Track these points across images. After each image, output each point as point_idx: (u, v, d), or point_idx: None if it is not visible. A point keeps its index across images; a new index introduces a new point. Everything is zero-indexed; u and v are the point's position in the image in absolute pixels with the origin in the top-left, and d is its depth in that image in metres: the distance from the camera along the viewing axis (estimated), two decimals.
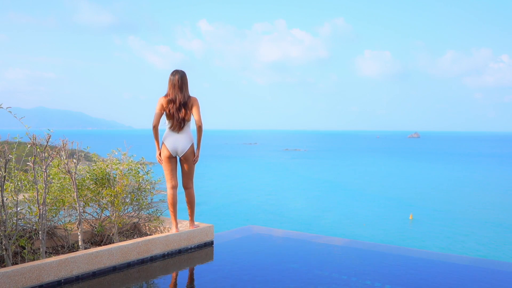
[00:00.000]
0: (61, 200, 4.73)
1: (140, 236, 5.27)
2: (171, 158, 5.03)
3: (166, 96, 4.91)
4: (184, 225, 5.37)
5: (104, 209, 5.17)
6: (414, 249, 5.63)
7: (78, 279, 3.96)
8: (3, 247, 3.94)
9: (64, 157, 4.60)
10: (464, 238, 32.83)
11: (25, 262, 3.96)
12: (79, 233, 4.49)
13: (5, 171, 3.96)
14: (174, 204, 5.04)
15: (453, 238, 32.70)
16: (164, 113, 4.93)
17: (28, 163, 4.25)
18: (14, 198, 4.19)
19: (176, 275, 4.41)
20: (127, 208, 5.27)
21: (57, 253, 4.60)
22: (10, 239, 3.99)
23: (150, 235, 5.37)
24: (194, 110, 4.93)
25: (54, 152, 4.46)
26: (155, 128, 4.93)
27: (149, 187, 5.32)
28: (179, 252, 4.94)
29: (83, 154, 4.84)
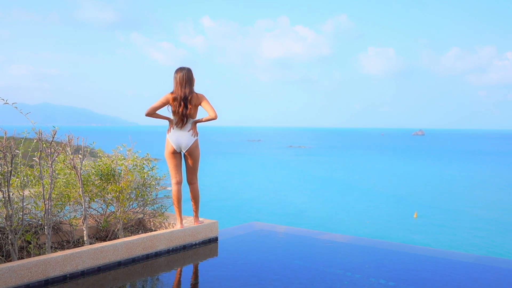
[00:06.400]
0: (66, 195, 4.75)
1: (145, 232, 5.29)
2: (175, 154, 5.05)
3: (172, 93, 4.93)
4: (189, 221, 5.39)
5: (109, 204, 5.19)
6: (418, 246, 5.62)
7: (83, 274, 3.98)
8: (9, 242, 3.97)
9: (70, 153, 4.62)
10: (468, 235, 32.74)
11: (31, 257, 3.99)
12: (84, 229, 4.52)
13: (11, 166, 3.99)
14: (178, 200, 5.07)
15: (457, 236, 32.62)
16: (170, 110, 4.97)
17: (34, 158, 4.27)
18: (20, 193, 4.21)
19: (181, 271, 4.42)
20: (132, 204, 5.29)
21: (62, 248, 4.62)
22: (16, 234, 4.02)
23: (154, 231, 5.39)
24: (205, 106, 4.94)
25: (59, 148, 4.48)
26: (148, 116, 4.91)
27: (154, 183, 5.34)
28: (184, 248, 4.96)
29: (88, 150, 4.86)
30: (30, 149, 4.36)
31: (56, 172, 4.75)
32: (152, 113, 4.91)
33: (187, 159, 5.09)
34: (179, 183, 5.10)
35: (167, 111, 5.02)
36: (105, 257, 4.17)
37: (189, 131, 4.99)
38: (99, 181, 5.06)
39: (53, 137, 4.28)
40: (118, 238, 4.92)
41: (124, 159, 5.23)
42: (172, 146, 4.99)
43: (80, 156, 4.65)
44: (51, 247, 4.45)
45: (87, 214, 4.78)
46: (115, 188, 4.94)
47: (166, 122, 5.09)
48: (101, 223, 5.04)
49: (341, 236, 6.02)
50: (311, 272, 4.22)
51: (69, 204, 4.87)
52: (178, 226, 5.04)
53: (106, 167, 5.08)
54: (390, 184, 57.21)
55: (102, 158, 5.23)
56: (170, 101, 4.91)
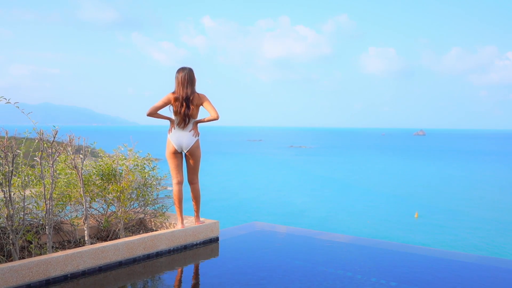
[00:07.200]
0: (67, 195, 4.75)
1: (146, 232, 5.30)
2: (177, 154, 5.05)
3: (173, 93, 4.94)
4: (190, 221, 5.39)
5: (110, 204, 5.19)
6: (419, 246, 5.62)
7: (84, 273, 3.99)
8: (10, 242, 3.97)
9: (71, 153, 4.62)
10: (469, 236, 32.73)
11: (32, 257, 3.99)
12: (85, 228, 4.52)
13: (12, 166, 3.99)
14: (179, 200, 5.07)
15: (457, 236, 32.61)
16: (172, 110, 4.97)
17: (35, 158, 4.27)
18: (21, 193, 4.22)
19: (182, 271, 4.42)
20: (133, 204, 5.29)
21: (63, 248, 4.63)
22: (17, 234, 4.02)
23: (155, 230, 5.39)
24: (207, 107, 4.95)
25: (61, 148, 4.48)
26: (149, 116, 4.90)
27: (155, 183, 5.34)
28: (185, 248, 4.96)
29: (89, 150, 4.86)
30: (31, 149, 4.36)
31: (57, 172, 4.76)
32: (153, 113, 4.91)
33: (188, 159, 5.09)
34: (180, 183, 5.10)
35: (168, 111, 5.02)
36: (106, 257, 4.17)
37: (190, 131, 4.99)
38: (100, 181, 5.06)
39: (54, 137, 4.29)
40: (119, 238, 4.93)
41: (125, 159, 5.23)
42: (173, 146, 4.99)
43: (81, 156, 4.66)
44: (52, 247, 4.45)
45: (88, 214, 4.79)
46: (116, 188, 4.95)
47: (166, 122, 5.10)
48: (102, 223, 5.04)
49: (342, 236, 6.02)
50: (312, 272, 4.22)
51: (70, 204, 4.87)
52: (179, 226, 5.04)
53: (107, 167, 5.09)
54: (390, 184, 57.19)
55: (103, 158, 5.23)
56: (172, 101, 4.91)
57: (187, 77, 4.91)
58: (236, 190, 51.76)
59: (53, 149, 4.31)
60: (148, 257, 4.56)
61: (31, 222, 4.40)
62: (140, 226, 5.55)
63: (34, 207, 4.40)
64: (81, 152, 4.68)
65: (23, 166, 4.41)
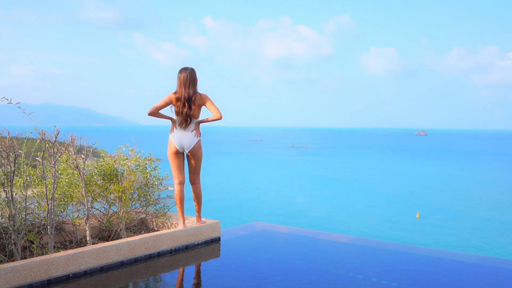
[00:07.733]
0: (69, 195, 4.76)
1: (147, 232, 5.30)
2: (178, 154, 5.06)
3: (175, 93, 4.94)
4: (191, 221, 5.40)
5: (112, 204, 5.20)
6: (420, 246, 5.62)
7: (86, 273, 3.99)
8: (12, 242, 3.98)
9: (73, 153, 4.63)
10: (470, 236, 32.70)
11: (33, 257, 4.00)
12: (87, 228, 4.53)
13: (14, 166, 4.00)
14: (181, 200, 5.07)
15: (458, 236, 32.59)
16: (174, 110, 4.98)
17: (37, 158, 4.28)
18: (23, 193, 4.23)
19: (183, 271, 4.43)
20: (135, 204, 5.30)
21: (65, 248, 4.64)
22: (19, 234, 4.03)
23: (157, 231, 5.40)
24: (209, 107, 4.95)
25: (62, 148, 4.49)
26: (150, 115, 4.87)
27: (156, 183, 5.34)
28: (186, 248, 4.97)
29: (91, 150, 4.87)
30: (33, 149, 4.37)
31: (59, 172, 4.77)
32: (155, 113, 4.91)
33: (190, 160, 5.10)
34: (181, 183, 5.10)
35: (170, 111, 5.03)
36: (107, 257, 4.18)
37: (192, 131, 5.00)
38: (101, 181, 5.07)
39: (56, 137, 4.29)
40: (121, 238, 4.93)
41: (126, 159, 5.24)
42: (175, 146, 5.00)
43: (82, 156, 4.67)
44: (54, 247, 4.46)
45: (90, 214, 4.79)
46: (118, 188, 4.95)
47: (168, 122, 5.10)
48: (103, 223, 5.05)
49: (343, 236, 6.02)
50: (313, 272, 4.22)
51: (72, 204, 4.88)
52: (181, 226, 5.05)
53: (109, 167, 5.09)
54: (391, 184, 57.15)
55: (105, 158, 5.24)
56: (174, 101, 4.92)
57: (189, 77, 4.91)
58: (236, 190, 51.74)
59: (55, 149, 4.32)
60: (149, 257, 4.56)
61: (33, 222, 4.41)
62: (142, 226, 5.56)
63: (36, 207, 4.41)
64: (83, 152, 4.69)
65: (25, 166, 4.42)
